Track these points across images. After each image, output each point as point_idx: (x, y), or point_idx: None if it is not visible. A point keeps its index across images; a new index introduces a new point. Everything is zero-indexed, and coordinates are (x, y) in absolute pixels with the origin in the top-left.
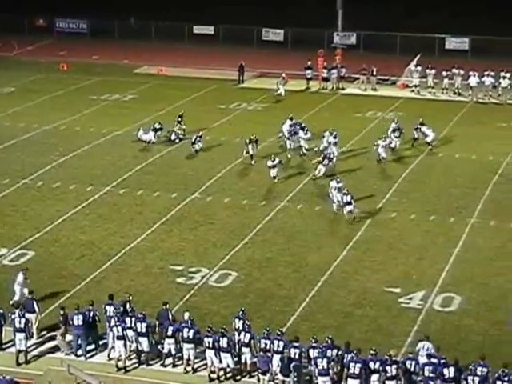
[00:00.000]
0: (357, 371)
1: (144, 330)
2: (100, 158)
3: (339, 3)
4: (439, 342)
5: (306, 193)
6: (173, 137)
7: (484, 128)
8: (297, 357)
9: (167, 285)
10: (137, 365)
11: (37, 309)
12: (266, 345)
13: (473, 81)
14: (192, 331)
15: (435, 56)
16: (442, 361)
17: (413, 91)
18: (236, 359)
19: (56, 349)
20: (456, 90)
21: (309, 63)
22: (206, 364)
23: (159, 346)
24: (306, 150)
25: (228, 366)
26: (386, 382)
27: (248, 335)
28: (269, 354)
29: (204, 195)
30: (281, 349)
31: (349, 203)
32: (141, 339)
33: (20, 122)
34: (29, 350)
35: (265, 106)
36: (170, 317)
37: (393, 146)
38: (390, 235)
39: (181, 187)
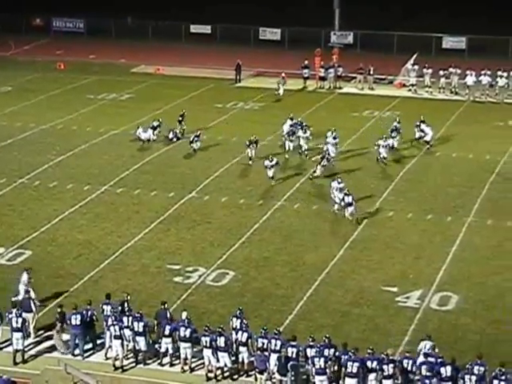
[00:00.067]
0: (354, 370)
1: (141, 330)
2: (97, 158)
3: (336, 2)
4: (436, 341)
5: (303, 192)
6: (171, 135)
7: (481, 127)
8: (294, 356)
9: (164, 284)
10: (134, 364)
11: (34, 308)
12: (263, 344)
13: (470, 80)
14: (189, 330)
15: (432, 55)
16: (439, 360)
17: (410, 90)
18: (233, 358)
19: (53, 348)
20: (453, 89)
21: (306, 62)
22: (203, 363)
23: (156, 346)
24: (305, 149)
25: (225, 365)
26: (383, 381)
27: (245, 334)
28: (266, 353)
29: (201, 194)
30: (278, 348)
31: (350, 204)
32: (138, 338)
33: (17, 122)
34: (26, 349)
35: (262, 105)
36: (169, 316)
37: (391, 145)
38: (387, 234)
39: (178, 186)
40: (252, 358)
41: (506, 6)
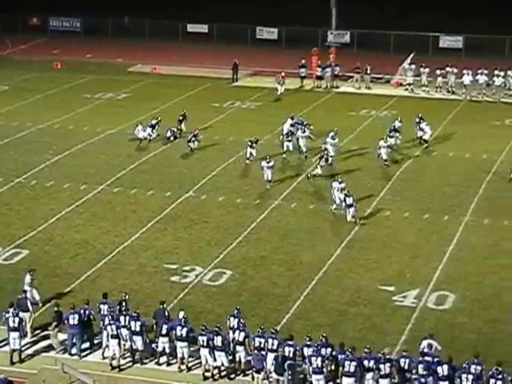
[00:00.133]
0: (352, 369)
1: (138, 329)
2: (94, 157)
3: (333, 2)
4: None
5: (299, 191)
6: (168, 134)
7: (478, 126)
8: (291, 355)
9: (161, 283)
10: (131, 363)
11: (31, 308)
12: (260, 343)
13: (466, 79)
14: (185, 329)
15: (429, 54)
16: (436, 359)
17: (407, 89)
18: (230, 358)
19: (50, 348)
20: (450, 89)
21: (303, 61)
22: (200, 362)
23: (153, 345)
24: (305, 151)
25: (222, 364)
26: (380, 380)
27: (242, 334)
28: (263, 353)
29: (198, 194)
30: (275, 347)
31: (350, 205)
32: (135, 338)
33: (14, 121)
34: (23, 348)
35: (259, 104)
36: (167, 316)
37: (391, 145)
38: (383, 234)
39: (175, 186)
40: (249, 358)
41: (503, 5)
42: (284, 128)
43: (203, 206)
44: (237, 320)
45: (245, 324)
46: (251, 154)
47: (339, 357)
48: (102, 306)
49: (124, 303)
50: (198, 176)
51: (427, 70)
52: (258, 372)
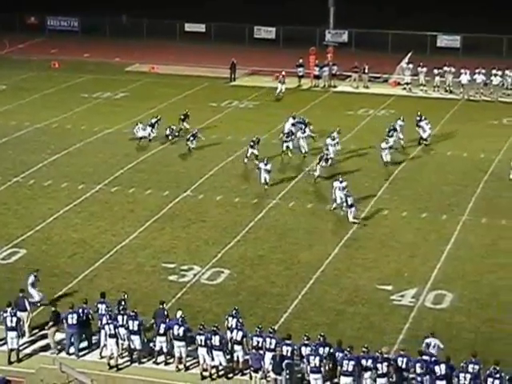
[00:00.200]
0: (350, 369)
1: (136, 328)
2: (92, 156)
3: (331, 1)
4: None
5: (297, 190)
6: (167, 132)
7: (475, 125)
8: (289, 354)
9: (159, 283)
10: (129, 363)
11: (28, 307)
12: (258, 342)
13: (464, 78)
14: (182, 329)
15: (427, 54)
16: (434, 358)
17: (404, 89)
18: (228, 357)
19: (48, 347)
20: (447, 88)
21: (300, 61)
22: (198, 362)
23: (151, 344)
24: (306, 151)
25: (220, 363)
26: (378, 379)
27: (240, 333)
28: (261, 352)
29: (196, 193)
30: (273, 346)
31: (351, 206)
32: (133, 337)
33: (11, 120)
34: (20, 348)
35: (256, 103)
36: (166, 315)
37: (389, 145)
38: (381, 233)
39: (173, 185)
40: (247, 357)
41: (500, 4)
42: (285, 127)
43: (201, 205)
44: (235, 320)
45: (243, 323)
46: (252, 154)
47: (337, 355)
48: (99, 306)
49: (123, 302)
50: (195, 175)
51: (425, 69)
52: (256, 371)
